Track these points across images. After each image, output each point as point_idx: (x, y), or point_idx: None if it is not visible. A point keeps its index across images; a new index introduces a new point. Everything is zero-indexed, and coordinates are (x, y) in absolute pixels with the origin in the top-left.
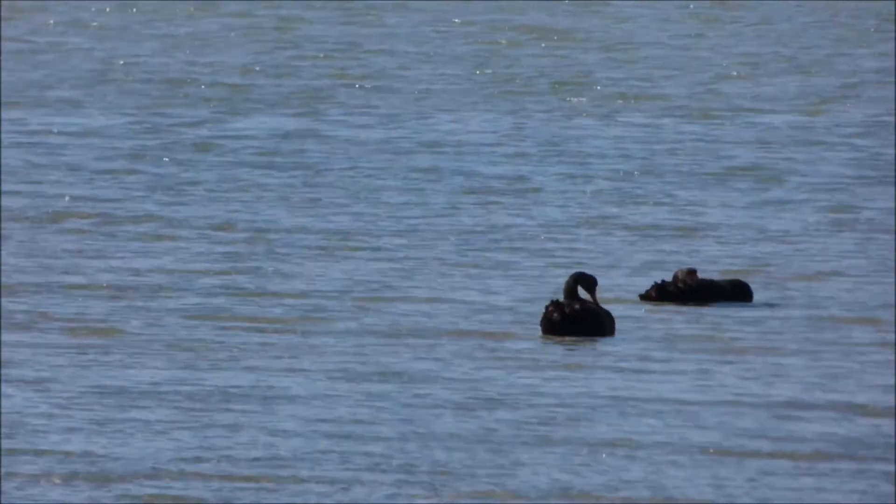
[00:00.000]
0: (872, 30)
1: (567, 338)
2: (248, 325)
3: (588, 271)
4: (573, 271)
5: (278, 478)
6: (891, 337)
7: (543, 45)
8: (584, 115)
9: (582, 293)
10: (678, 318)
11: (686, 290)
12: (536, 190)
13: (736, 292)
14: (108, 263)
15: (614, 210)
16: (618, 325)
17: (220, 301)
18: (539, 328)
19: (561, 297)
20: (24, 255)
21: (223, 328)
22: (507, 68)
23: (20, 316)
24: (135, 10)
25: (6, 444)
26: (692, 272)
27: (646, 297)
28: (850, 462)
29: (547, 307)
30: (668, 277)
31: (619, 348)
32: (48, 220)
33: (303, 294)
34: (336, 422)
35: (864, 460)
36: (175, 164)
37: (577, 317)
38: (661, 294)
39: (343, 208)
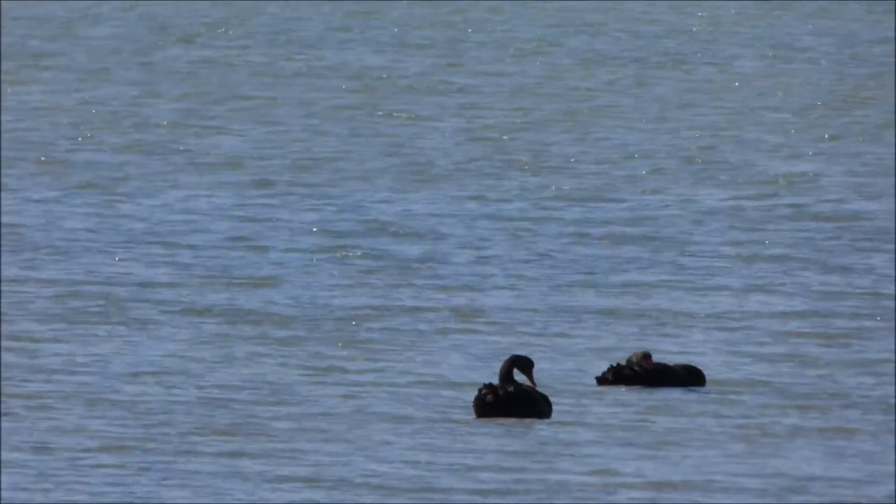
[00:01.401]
0: None
1: (501, 419)
2: None
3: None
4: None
5: None
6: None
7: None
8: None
9: (518, 376)
10: (626, 402)
11: (642, 374)
12: (490, 276)
13: (690, 377)
14: None
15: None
16: (564, 408)
17: None
18: (473, 411)
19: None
20: None
21: None
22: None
23: None
24: None
25: None
26: (647, 355)
27: (602, 380)
28: None
29: (480, 390)
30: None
31: (549, 432)
32: None
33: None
34: None
35: None
36: None
37: (511, 399)
38: (617, 377)
39: None
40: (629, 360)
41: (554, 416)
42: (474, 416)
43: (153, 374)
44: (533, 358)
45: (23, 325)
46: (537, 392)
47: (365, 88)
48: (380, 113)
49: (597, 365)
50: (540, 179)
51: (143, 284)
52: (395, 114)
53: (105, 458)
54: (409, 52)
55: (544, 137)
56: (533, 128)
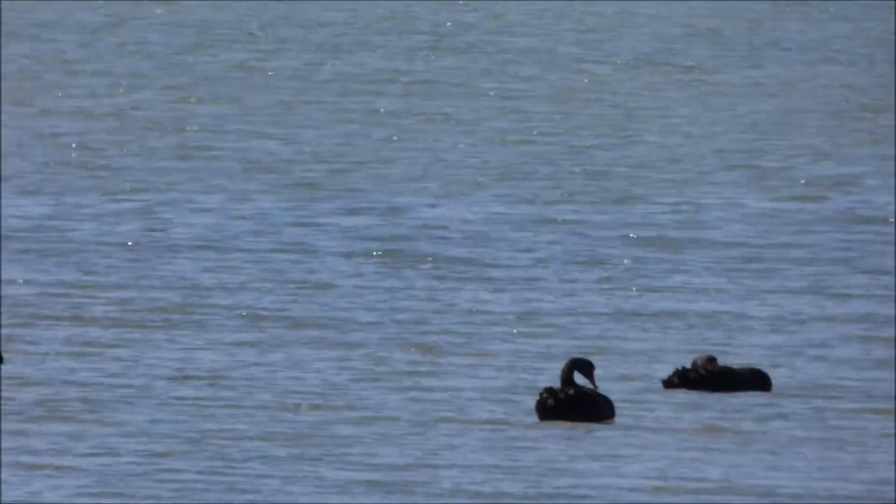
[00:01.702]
0: None
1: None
2: None
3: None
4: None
5: None
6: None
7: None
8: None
9: (580, 379)
10: (694, 405)
11: (708, 378)
12: (543, 279)
13: (755, 381)
14: None
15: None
16: (631, 412)
17: None
18: (535, 415)
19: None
20: None
21: None
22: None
23: None
24: None
25: None
26: (712, 359)
27: (669, 383)
28: None
29: (541, 394)
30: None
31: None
32: None
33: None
34: None
35: None
36: None
37: (572, 402)
38: (683, 380)
39: None
40: (694, 364)
41: (621, 419)
42: (536, 420)
43: (215, 378)
44: (594, 361)
45: (83, 330)
46: (599, 395)
47: (407, 93)
48: (421, 116)
49: (659, 369)
50: (586, 183)
51: (200, 289)
52: (437, 117)
53: (170, 463)
54: (447, 55)
55: (587, 140)
56: (575, 131)
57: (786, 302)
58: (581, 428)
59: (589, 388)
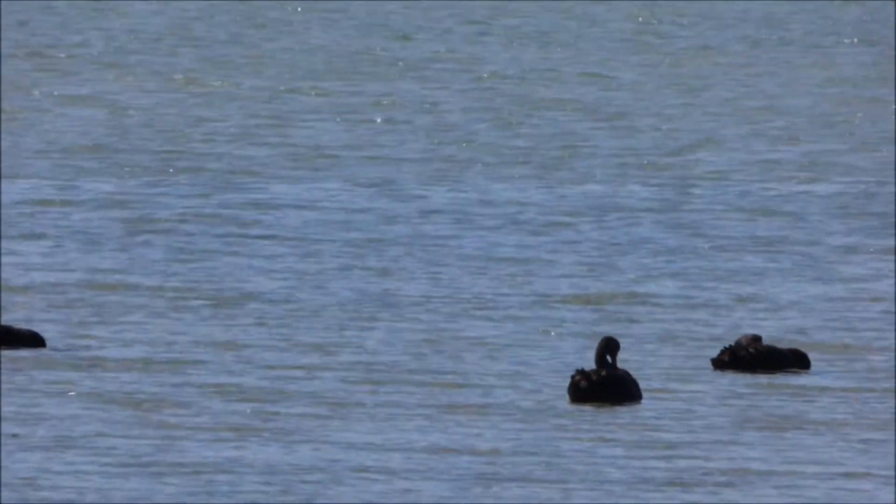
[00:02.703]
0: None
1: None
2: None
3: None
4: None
5: None
6: None
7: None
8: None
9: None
10: (745, 385)
11: (757, 356)
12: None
13: (797, 361)
14: None
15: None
16: (681, 392)
17: None
18: (567, 397)
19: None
20: None
21: None
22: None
23: None
24: None
25: None
26: (757, 338)
27: (718, 363)
28: None
29: (573, 376)
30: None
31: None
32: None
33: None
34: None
35: None
36: None
37: (604, 383)
38: (733, 359)
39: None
40: (738, 343)
41: (671, 399)
42: (569, 402)
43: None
44: (623, 342)
45: (164, 321)
46: (629, 376)
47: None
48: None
49: (704, 349)
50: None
51: (285, 278)
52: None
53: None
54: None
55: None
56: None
57: (835, 285)
58: (623, 409)
59: (621, 370)
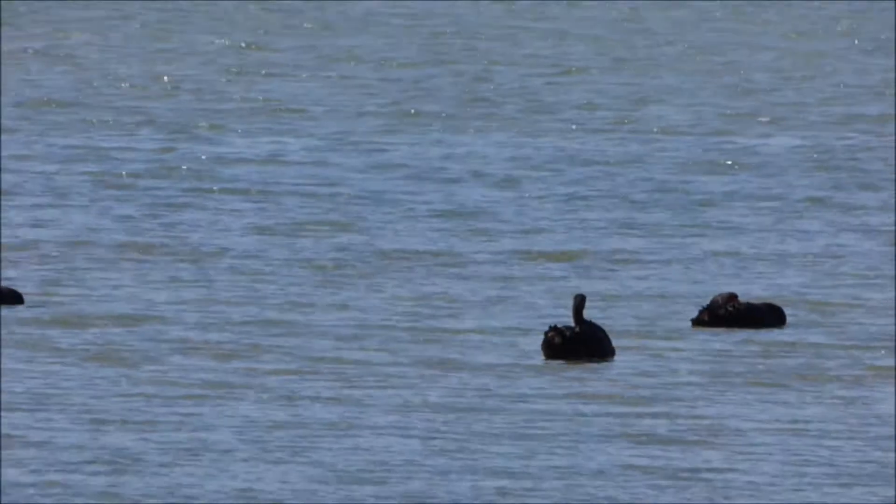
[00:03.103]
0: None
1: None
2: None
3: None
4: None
5: None
6: None
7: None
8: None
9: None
10: (726, 342)
11: (736, 314)
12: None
13: (773, 316)
14: None
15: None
16: (661, 350)
17: None
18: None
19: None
20: None
21: None
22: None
23: None
24: None
25: None
26: (733, 296)
27: (698, 321)
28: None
29: (546, 333)
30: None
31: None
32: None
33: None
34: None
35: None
36: None
37: (578, 339)
38: (713, 318)
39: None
40: (713, 302)
41: (651, 358)
42: (543, 359)
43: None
44: (593, 298)
45: (136, 276)
46: (602, 331)
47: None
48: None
49: (681, 307)
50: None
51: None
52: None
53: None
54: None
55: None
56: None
57: (811, 241)
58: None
59: (596, 324)
